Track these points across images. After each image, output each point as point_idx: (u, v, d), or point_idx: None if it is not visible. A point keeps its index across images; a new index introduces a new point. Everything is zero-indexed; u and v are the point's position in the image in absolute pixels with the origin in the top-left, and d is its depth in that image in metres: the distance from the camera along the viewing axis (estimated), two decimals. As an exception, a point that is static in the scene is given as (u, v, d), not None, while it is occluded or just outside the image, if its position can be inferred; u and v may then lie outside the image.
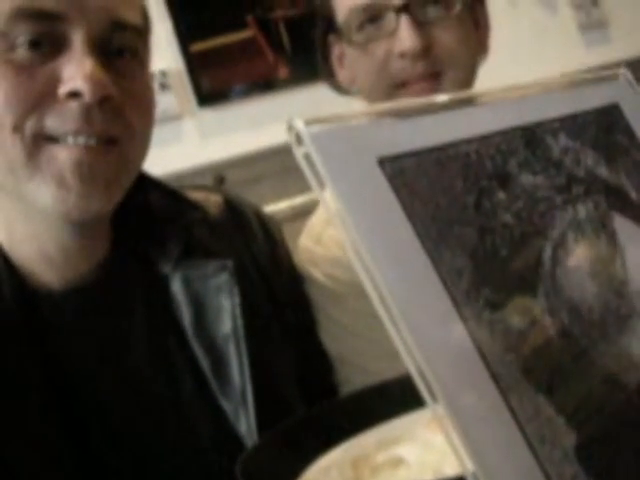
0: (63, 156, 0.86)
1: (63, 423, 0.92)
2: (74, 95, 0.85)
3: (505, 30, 2.55)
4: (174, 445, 0.97)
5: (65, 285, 0.96)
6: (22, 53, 0.85)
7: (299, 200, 2.46)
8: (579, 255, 0.55)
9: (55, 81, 0.85)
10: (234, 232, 1.09)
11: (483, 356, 0.46)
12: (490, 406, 0.45)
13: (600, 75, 0.70)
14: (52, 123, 0.85)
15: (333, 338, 1.17)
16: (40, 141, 0.86)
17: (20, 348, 0.92)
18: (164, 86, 2.73)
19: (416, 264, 0.46)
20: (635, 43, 3.21)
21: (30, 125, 0.85)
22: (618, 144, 0.67)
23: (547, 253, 0.53)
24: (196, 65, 2.84)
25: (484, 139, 0.55)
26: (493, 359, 0.46)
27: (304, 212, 1.30)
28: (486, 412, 0.45)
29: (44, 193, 0.86)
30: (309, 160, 0.46)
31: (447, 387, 0.44)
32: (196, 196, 1.08)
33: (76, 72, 0.84)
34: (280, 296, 1.10)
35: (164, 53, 2.73)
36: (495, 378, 0.46)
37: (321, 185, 0.46)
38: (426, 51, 1.13)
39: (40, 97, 0.85)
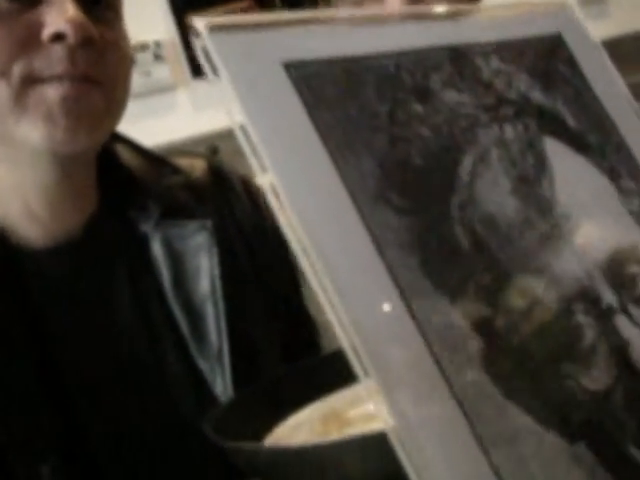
0: (50, 93, 0.87)
1: (43, 382, 0.92)
2: (58, 38, 0.86)
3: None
4: (154, 406, 0.97)
5: (48, 243, 0.95)
6: (2, 5, 0.86)
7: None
8: (501, 172, 0.54)
9: (38, 26, 0.86)
10: (217, 196, 1.08)
11: (384, 258, 0.45)
12: (390, 305, 0.44)
13: (545, 4, 0.70)
14: (39, 66, 0.86)
15: (316, 304, 1.16)
16: (28, 83, 0.86)
17: (0, 306, 0.92)
18: (158, 57, 2.72)
19: (317, 165, 0.46)
20: (634, 18, 3.18)
21: (17, 69, 0.86)
22: (558, 72, 0.66)
23: (466, 167, 0.53)
24: (190, 36, 2.82)
25: (405, 54, 0.54)
26: (395, 261, 0.45)
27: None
28: (385, 311, 0.44)
29: (32, 132, 0.87)
30: (209, 60, 0.46)
31: (348, 293, 0.44)
32: (181, 162, 1.09)
33: (58, 15, 0.86)
34: (264, 262, 1.10)
35: (158, 24, 2.72)
36: (396, 280, 0.45)
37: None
38: None
39: (24, 42, 0.86)
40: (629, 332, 0.56)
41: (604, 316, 0.55)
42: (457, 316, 0.47)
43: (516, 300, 0.50)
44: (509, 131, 0.57)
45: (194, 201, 1.04)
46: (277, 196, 0.44)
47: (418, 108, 0.52)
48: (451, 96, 0.55)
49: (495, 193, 0.53)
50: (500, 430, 0.45)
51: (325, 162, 0.46)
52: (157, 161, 1.07)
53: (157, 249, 1.00)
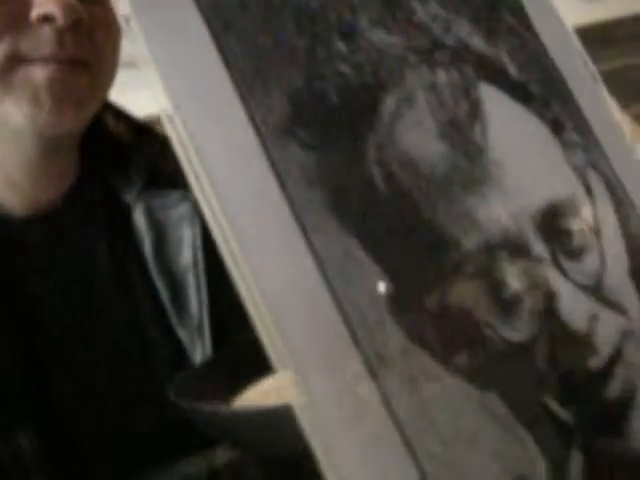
0: (37, 74, 0.86)
1: (20, 350, 0.91)
2: (46, 19, 0.85)
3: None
4: (133, 375, 0.97)
5: (29, 211, 0.95)
6: None
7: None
8: (428, 115, 0.53)
9: (27, 6, 0.85)
10: None
11: (287, 193, 0.44)
12: (290, 244, 0.42)
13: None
14: (26, 46, 0.86)
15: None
16: (13, 63, 0.86)
17: None
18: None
19: (220, 96, 0.44)
20: (631, 1, 3.14)
21: (3, 48, 0.85)
22: (504, 22, 0.64)
23: (388, 107, 0.51)
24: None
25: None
26: (299, 198, 0.44)
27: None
28: (286, 252, 0.43)
29: (16, 113, 0.87)
30: None
31: (246, 234, 0.42)
32: (164, 129, 1.08)
33: None
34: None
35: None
36: (299, 217, 0.43)
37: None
38: None
39: (12, 21, 0.85)
40: (559, 284, 0.54)
41: (532, 267, 0.53)
42: (363, 255, 0.45)
43: (432, 244, 0.49)
44: (442, 75, 0.55)
45: (176, 170, 1.03)
46: (174, 126, 0.42)
47: (340, 46, 0.51)
48: (378, 36, 0.53)
49: (419, 136, 0.51)
50: (402, 374, 0.44)
51: (229, 93, 0.44)
52: (140, 127, 1.06)
53: (139, 218, 1.00)
